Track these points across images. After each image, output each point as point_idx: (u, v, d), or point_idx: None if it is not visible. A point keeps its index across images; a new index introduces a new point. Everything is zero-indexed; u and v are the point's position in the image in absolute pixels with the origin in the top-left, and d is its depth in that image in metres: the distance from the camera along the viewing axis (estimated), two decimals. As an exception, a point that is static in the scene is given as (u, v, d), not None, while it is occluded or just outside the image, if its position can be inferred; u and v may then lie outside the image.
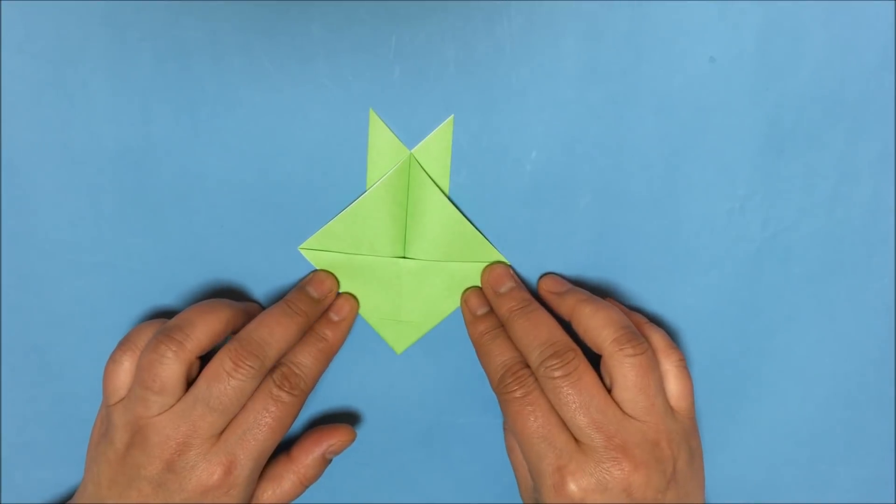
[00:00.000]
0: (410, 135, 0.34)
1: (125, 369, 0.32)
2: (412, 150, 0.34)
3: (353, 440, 0.36)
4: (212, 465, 0.31)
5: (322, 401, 0.39)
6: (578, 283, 0.37)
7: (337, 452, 0.36)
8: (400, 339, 0.38)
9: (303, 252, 0.36)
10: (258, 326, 0.33)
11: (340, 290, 0.36)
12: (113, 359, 0.33)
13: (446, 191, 0.35)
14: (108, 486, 0.32)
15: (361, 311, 0.37)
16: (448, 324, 0.37)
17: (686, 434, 0.33)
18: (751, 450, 0.40)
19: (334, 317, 0.36)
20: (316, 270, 0.36)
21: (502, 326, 0.35)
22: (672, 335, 0.38)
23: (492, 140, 0.34)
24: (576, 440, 0.32)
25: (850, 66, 0.33)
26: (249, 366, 0.32)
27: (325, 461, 0.36)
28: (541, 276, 0.37)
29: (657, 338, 0.34)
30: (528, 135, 0.34)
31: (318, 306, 0.35)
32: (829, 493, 0.40)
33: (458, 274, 0.36)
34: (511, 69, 0.33)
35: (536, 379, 0.33)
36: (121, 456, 0.32)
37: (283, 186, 0.35)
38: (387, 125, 0.34)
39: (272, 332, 0.33)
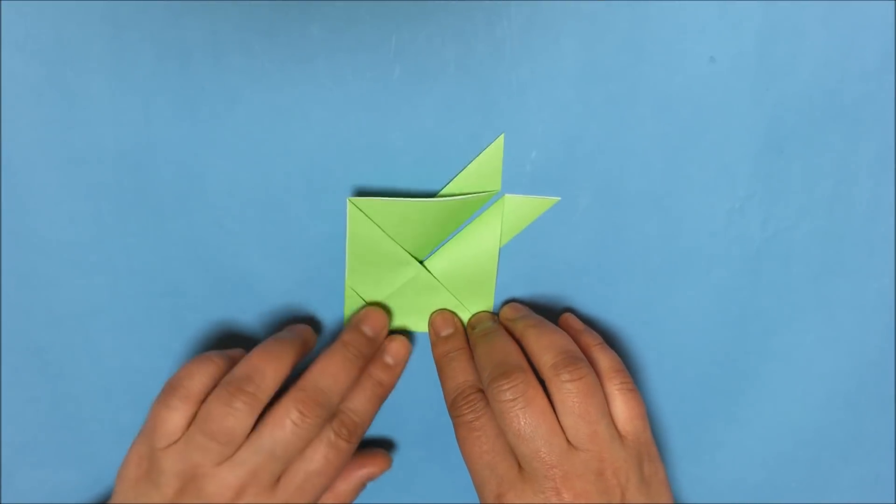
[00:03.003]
0: (410, 135, 0.34)
1: (180, 415, 0.31)
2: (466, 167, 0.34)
3: (389, 467, 0.37)
4: None
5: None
6: (578, 282, 0.37)
7: (373, 479, 0.37)
8: (472, 307, 0.38)
9: (353, 201, 0.34)
10: (322, 375, 0.32)
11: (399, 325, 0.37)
12: (166, 404, 0.31)
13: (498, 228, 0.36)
14: None
15: (350, 279, 0.36)
16: (448, 324, 0.37)
17: (638, 459, 0.32)
18: (751, 450, 0.40)
19: (390, 360, 0.36)
20: (367, 307, 0.36)
21: (464, 349, 0.36)
22: (672, 335, 0.38)
23: (492, 140, 0.34)
24: (519, 466, 0.32)
25: (850, 66, 0.33)
26: (317, 416, 0.31)
27: (362, 486, 0.37)
28: (502, 306, 0.37)
29: (604, 360, 0.34)
30: (528, 135, 0.34)
31: (373, 345, 0.35)
32: (829, 493, 0.40)
33: (448, 304, 0.37)
34: (511, 69, 0.33)
35: (488, 401, 0.33)
36: (168, 502, 0.31)
37: (282, 186, 0.35)
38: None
39: (336, 379, 0.33)
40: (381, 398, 0.35)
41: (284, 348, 0.33)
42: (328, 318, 0.37)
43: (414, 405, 0.39)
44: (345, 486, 0.36)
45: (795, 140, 0.34)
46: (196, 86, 0.33)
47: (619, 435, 0.32)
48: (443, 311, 0.37)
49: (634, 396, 0.33)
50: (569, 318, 0.36)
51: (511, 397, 0.31)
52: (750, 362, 0.38)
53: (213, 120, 0.34)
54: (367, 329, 0.35)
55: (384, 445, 0.39)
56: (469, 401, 0.33)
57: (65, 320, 0.37)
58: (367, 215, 0.34)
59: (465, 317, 0.37)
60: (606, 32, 0.33)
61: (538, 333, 0.33)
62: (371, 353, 0.35)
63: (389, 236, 0.35)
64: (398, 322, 0.37)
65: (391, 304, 0.37)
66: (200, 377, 0.32)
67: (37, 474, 0.39)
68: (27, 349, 0.37)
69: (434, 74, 0.33)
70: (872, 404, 0.39)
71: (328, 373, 0.33)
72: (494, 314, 0.37)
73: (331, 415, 0.32)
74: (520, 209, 0.35)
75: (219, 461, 0.31)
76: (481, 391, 0.34)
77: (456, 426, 0.34)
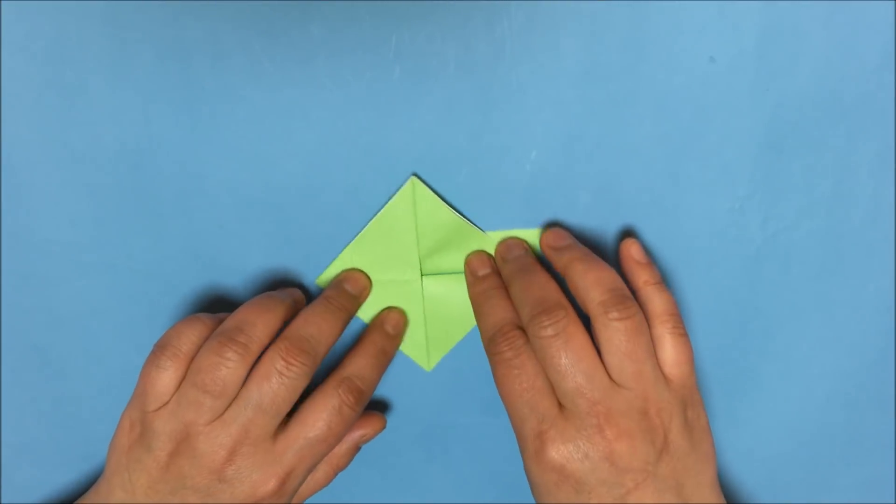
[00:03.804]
0: (410, 135, 0.34)
1: (170, 375, 0.31)
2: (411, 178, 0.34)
3: (384, 428, 0.37)
4: (267, 476, 0.31)
5: (322, 401, 0.39)
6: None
7: (368, 440, 0.36)
8: (429, 356, 0.38)
9: (320, 284, 0.36)
10: (305, 324, 0.32)
11: (364, 320, 0.37)
12: (156, 364, 0.31)
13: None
14: (145, 493, 0.31)
15: None
16: (448, 324, 0.37)
17: (682, 403, 0.32)
18: (751, 450, 0.40)
19: (391, 330, 0.36)
20: (348, 269, 0.36)
21: (501, 287, 0.35)
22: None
23: (492, 140, 0.34)
24: (560, 405, 0.31)
25: (850, 66, 0.33)
26: (301, 363, 0.31)
27: (357, 448, 0.36)
28: (544, 229, 0.36)
29: (658, 301, 0.33)
30: (528, 135, 0.34)
31: (356, 303, 0.35)
32: (829, 493, 0.40)
33: (417, 323, 0.37)
34: (511, 69, 0.33)
35: (528, 339, 0.32)
36: (162, 465, 0.31)
37: (282, 186, 0.35)
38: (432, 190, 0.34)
39: (320, 328, 0.32)
40: (384, 366, 0.35)
41: (274, 301, 0.33)
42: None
43: (414, 405, 0.39)
44: (340, 448, 0.35)
45: (795, 140, 0.34)
46: (196, 86, 0.33)
47: (665, 377, 0.32)
48: (479, 252, 0.36)
49: (685, 341, 0.32)
50: (631, 248, 0.34)
51: (552, 332, 0.30)
52: (750, 362, 0.38)
53: (213, 120, 0.34)
54: (349, 287, 0.35)
55: (384, 445, 0.39)
56: (508, 338, 0.32)
57: (65, 320, 0.37)
58: (415, 200, 0.35)
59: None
60: (606, 32, 0.33)
61: (585, 268, 0.32)
62: (354, 311, 0.35)
63: (378, 279, 0.36)
64: (461, 330, 0.37)
65: (435, 322, 0.37)
66: (189, 336, 0.32)
67: (37, 474, 0.39)
68: (27, 349, 0.37)
69: (434, 74, 0.33)
70: (872, 404, 0.39)
71: (310, 321, 0.32)
72: (524, 242, 0.36)
73: (317, 364, 0.32)
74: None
75: (211, 418, 0.30)
76: (520, 328, 0.33)
77: (494, 364, 0.33)
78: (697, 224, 0.36)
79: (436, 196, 0.35)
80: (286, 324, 0.33)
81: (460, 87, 0.33)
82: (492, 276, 0.35)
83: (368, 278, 0.36)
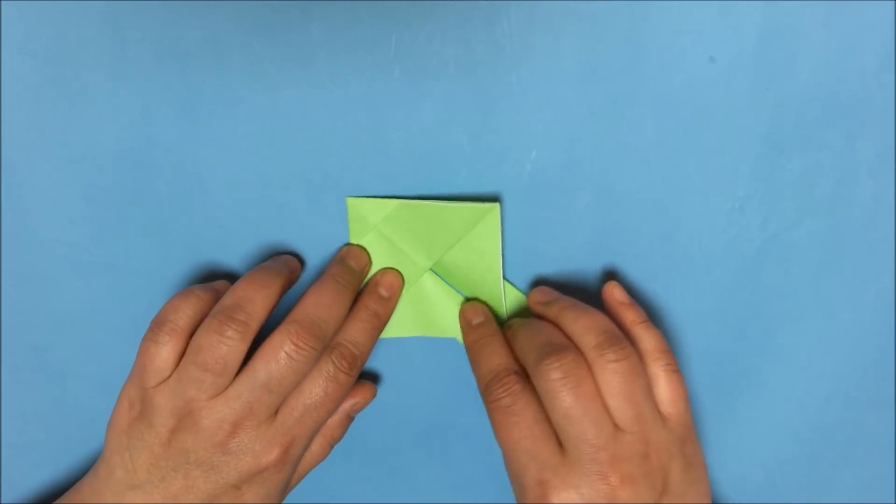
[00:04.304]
0: (410, 135, 0.34)
1: (168, 350, 0.31)
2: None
3: (374, 396, 0.37)
4: (270, 445, 0.31)
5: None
6: (578, 282, 0.37)
7: (360, 410, 0.36)
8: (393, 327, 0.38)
9: (352, 202, 0.35)
10: (315, 306, 0.32)
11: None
12: (154, 339, 0.31)
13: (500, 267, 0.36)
14: (147, 470, 0.31)
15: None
16: (448, 324, 0.37)
17: (680, 442, 0.32)
18: (751, 450, 0.40)
19: (384, 293, 0.35)
20: (348, 245, 0.36)
21: (497, 334, 0.35)
22: (672, 335, 0.38)
23: (492, 140, 0.34)
24: (560, 451, 0.30)
25: (850, 66, 0.33)
26: (312, 347, 0.31)
27: (350, 419, 0.36)
28: (530, 290, 0.36)
29: (648, 339, 0.33)
30: (528, 135, 0.34)
31: (360, 278, 0.35)
32: (829, 493, 0.40)
33: (454, 307, 0.37)
34: (511, 69, 0.33)
35: (532, 382, 0.32)
36: (164, 441, 0.31)
37: (282, 186, 0.35)
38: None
39: (330, 310, 0.32)
40: (378, 330, 0.35)
41: (271, 276, 0.32)
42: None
43: (414, 405, 0.39)
44: (332, 420, 0.35)
45: (795, 140, 0.34)
46: (196, 86, 0.33)
47: (662, 416, 0.32)
48: (472, 301, 0.37)
49: (678, 378, 0.32)
50: (613, 291, 0.35)
51: (561, 375, 0.30)
52: (750, 362, 0.38)
53: (213, 120, 0.34)
54: (353, 263, 0.35)
55: (384, 445, 0.39)
56: (504, 384, 0.32)
57: (65, 320, 0.37)
58: (364, 215, 0.35)
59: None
60: (606, 32, 0.33)
61: (575, 315, 0.32)
62: (358, 287, 0.35)
63: (389, 238, 0.35)
64: (407, 329, 0.37)
65: (400, 308, 0.37)
66: (186, 310, 0.32)
67: (37, 474, 0.39)
68: (27, 349, 0.37)
69: (434, 74, 0.33)
70: (872, 404, 0.39)
71: (321, 303, 0.32)
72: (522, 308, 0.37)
73: (325, 346, 0.32)
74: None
75: (213, 394, 0.30)
76: (517, 373, 0.32)
77: (491, 412, 0.32)
78: (697, 224, 0.36)
79: (499, 237, 0.35)
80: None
81: (460, 87, 0.33)
82: (486, 324, 0.36)
83: (368, 255, 0.36)
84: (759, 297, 0.37)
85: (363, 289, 0.36)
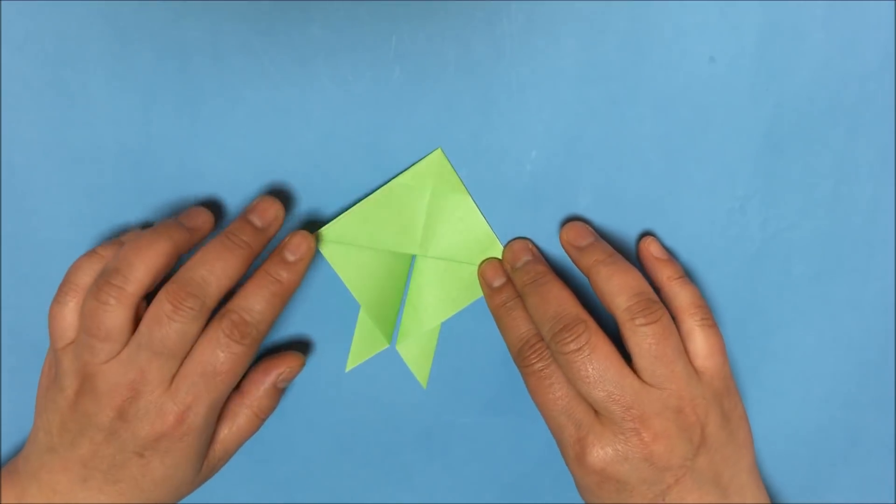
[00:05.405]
0: (410, 135, 0.34)
1: (70, 310, 0.31)
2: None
3: (302, 366, 0.36)
4: (164, 412, 0.30)
5: (322, 399, 0.38)
6: (578, 281, 0.37)
7: (288, 380, 0.35)
8: (392, 334, 0.37)
9: (319, 246, 0.34)
10: (197, 264, 0.31)
11: (351, 290, 0.36)
12: (57, 300, 0.32)
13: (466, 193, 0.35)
14: (60, 433, 0.31)
15: (362, 304, 0.36)
16: (448, 324, 0.37)
17: (716, 395, 0.32)
18: (751, 450, 0.40)
19: (290, 256, 0.33)
20: (261, 196, 0.33)
21: (519, 297, 0.35)
22: (672, 335, 0.38)
23: (492, 140, 0.34)
24: (595, 412, 0.31)
25: (850, 66, 0.33)
26: (189, 307, 0.30)
27: (278, 391, 0.35)
28: (564, 223, 0.35)
29: (684, 295, 0.33)
30: (528, 135, 0.34)
31: (263, 236, 0.32)
32: (829, 493, 0.40)
33: (471, 277, 0.36)
34: (511, 69, 0.33)
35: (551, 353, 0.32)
36: (71, 403, 0.31)
37: (282, 187, 0.35)
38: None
39: (212, 268, 0.31)
40: (281, 297, 0.32)
41: (157, 238, 0.31)
42: (328, 319, 0.37)
43: (414, 405, 0.39)
44: (257, 391, 0.34)
45: (795, 140, 0.34)
46: (196, 86, 0.33)
47: (697, 371, 0.32)
48: (490, 261, 0.36)
49: (715, 332, 0.33)
50: (650, 246, 0.35)
51: (575, 348, 0.31)
52: (750, 362, 0.38)
53: (213, 120, 0.34)
54: (255, 219, 0.32)
55: (384, 445, 0.39)
56: (536, 350, 0.33)
57: (65, 320, 0.37)
58: (336, 240, 0.34)
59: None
60: (606, 32, 0.33)
61: (609, 272, 0.32)
62: (259, 246, 0.32)
63: (364, 245, 0.35)
64: (434, 319, 0.37)
65: (413, 304, 0.37)
66: (86, 270, 0.32)
67: (37, 474, 0.39)
68: (27, 349, 0.37)
69: (434, 74, 0.33)
70: (872, 404, 0.39)
71: (203, 262, 0.31)
72: (529, 242, 0.36)
73: (209, 306, 0.31)
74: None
75: (105, 358, 0.30)
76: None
77: (525, 376, 0.33)
78: (697, 224, 0.36)
79: (456, 175, 0.34)
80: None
81: (460, 87, 0.33)
82: (508, 287, 0.35)
83: (282, 207, 0.33)
84: (759, 297, 0.37)
85: (270, 253, 0.34)
